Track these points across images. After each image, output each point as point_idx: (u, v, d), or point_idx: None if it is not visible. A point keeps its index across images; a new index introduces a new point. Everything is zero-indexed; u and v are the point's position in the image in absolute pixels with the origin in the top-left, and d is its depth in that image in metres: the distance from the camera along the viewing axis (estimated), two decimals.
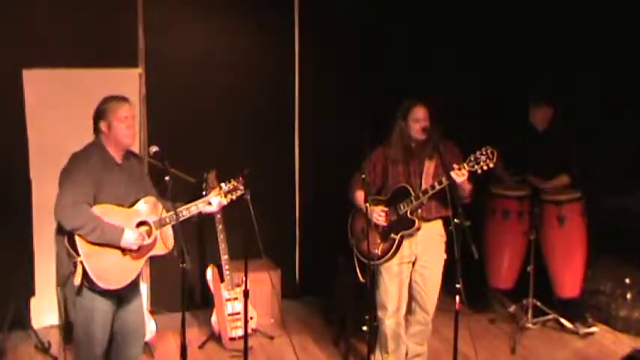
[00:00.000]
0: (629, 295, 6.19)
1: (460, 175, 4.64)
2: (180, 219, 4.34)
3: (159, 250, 4.36)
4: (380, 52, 6.88)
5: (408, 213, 4.93)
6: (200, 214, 4.56)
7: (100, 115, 4.26)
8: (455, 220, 4.51)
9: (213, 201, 4.53)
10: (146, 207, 4.33)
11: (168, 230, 4.38)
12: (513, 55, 6.92)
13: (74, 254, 4.15)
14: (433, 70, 6.87)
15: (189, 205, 4.44)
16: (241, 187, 4.62)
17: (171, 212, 4.29)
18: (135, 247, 4.21)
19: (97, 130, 4.29)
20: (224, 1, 6.54)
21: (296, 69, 6.86)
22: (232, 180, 4.60)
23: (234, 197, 4.59)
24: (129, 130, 4.27)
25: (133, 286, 4.40)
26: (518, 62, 6.91)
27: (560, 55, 6.78)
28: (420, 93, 5.10)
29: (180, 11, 6.31)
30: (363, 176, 4.91)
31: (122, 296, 4.39)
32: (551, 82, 6.73)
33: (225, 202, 4.57)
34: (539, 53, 6.88)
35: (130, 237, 4.19)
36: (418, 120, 4.87)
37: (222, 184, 4.59)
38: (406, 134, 4.94)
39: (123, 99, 4.39)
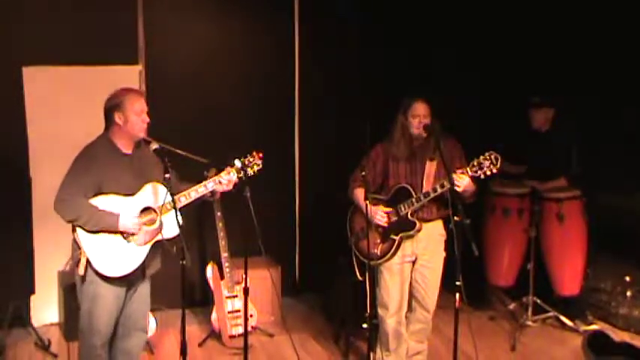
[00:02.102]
0: (629, 293, 6.20)
1: (461, 181, 4.62)
2: (186, 202, 4.36)
3: (169, 234, 4.35)
4: (380, 52, 6.89)
5: (409, 215, 4.92)
6: (211, 194, 4.54)
7: (115, 107, 4.26)
8: (455, 217, 4.50)
9: (224, 179, 4.51)
10: (149, 193, 4.33)
11: (173, 215, 4.34)
12: (513, 55, 6.92)
13: (79, 244, 4.18)
14: (433, 70, 6.88)
15: (196, 187, 4.44)
16: (259, 162, 4.62)
17: (177, 195, 4.28)
18: (135, 231, 4.21)
19: (109, 121, 4.30)
20: (224, 0, 6.56)
21: (296, 69, 6.87)
22: (248, 155, 4.59)
23: (251, 173, 4.58)
24: (144, 123, 4.30)
25: (141, 275, 4.41)
26: (518, 62, 6.92)
27: (560, 54, 6.79)
28: (420, 93, 5.10)
29: (180, 9, 6.33)
30: (363, 173, 4.90)
31: (130, 285, 4.39)
32: (552, 82, 6.73)
33: (235, 178, 4.54)
34: (540, 53, 6.88)
35: (127, 221, 4.19)
36: (418, 116, 4.86)
37: (236, 160, 4.57)
38: (407, 131, 4.93)
39: (139, 93, 4.46)
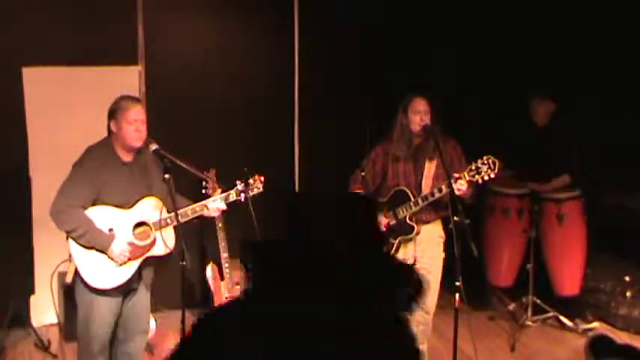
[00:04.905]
0: (628, 293, 6.20)
1: (460, 185, 4.61)
2: (181, 220, 4.34)
3: (159, 251, 4.37)
4: (380, 52, 6.88)
5: (407, 218, 4.90)
6: (203, 216, 4.57)
7: (110, 115, 4.26)
8: (455, 217, 4.50)
9: (211, 205, 4.52)
10: (147, 207, 4.32)
11: (169, 231, 4.38)
12: (513, 55, 6.92)
13: (70, 253, 4.19)
14: (433, 70, 6.87)
15: (193, 206, 4.44)
16: (260, 186, 4.64)
17: (172, 214, 4.28)
18: (120, 261, 4.22)
19: (108, 128, 4.29)
20: (224, 0, 6.56)
21: (296, 69, 6.86)
22: (250, 177, 4.61)
23: (250, 195, 4.59)
24: (137, 132, 4.23)
25: (138, 281, 4.41)
26: (518, 62, 6.91)
27: (560, 54, 6.79)
28: (420, 92, 5.10)
29: (180, 9, 6.33)
30: (363, 174, 4.90)
31: (127, 293, 4.39)
32: (552, 82, 6.73)
33: (224, 206, 4.57)
34: (540, 53, 6.88)
35: (117, 248, 4.20)
36: (418, 112, 4.84)
37: (238, 184, 4.58)
38: (407, 129, 4.92)
39: (134, 100, 4.41)
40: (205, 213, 4.51)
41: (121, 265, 4.23)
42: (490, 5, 6.90)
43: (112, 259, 4.20)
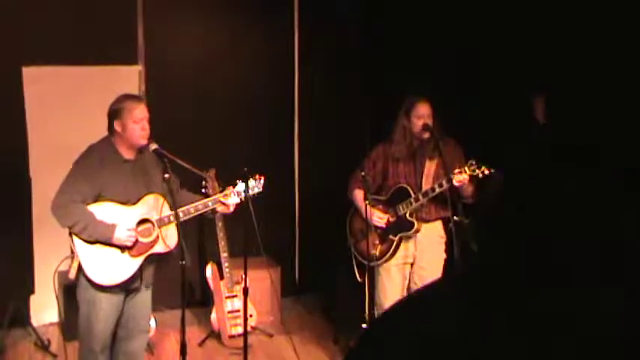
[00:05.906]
0: None
1: (460, 177, 4.62)
2: (184, 218, 4.34)
3: (160, 248, 4.37)
4: (380, 52, 6.88)
5: (407, 215, 4.90)
6: (212, 212, 4.56)
7: (114, 114, 4.25)
8: (455, 217, 4.50)
9: (229, 201, 4.51)
10: (149, 204, 4.32)
11: (171, 229, 4.38)
12: (513, 55, 6.91)
13: (73, 249, 4.18)
14: (433, 70, 6.86)
15: (205, 200, 4.44)
16: (260, 186, 4.64)
17: (174, 211, 4.28)
18: (128, 244, 4.21)
19: (111, 128, 4.29)
20: (224, 0, 6.56)
21: (296, 69, 6.87)
22: (250, 177, 4.60)
23: (251, 195, 4.58)
24: (143, 131, 4.26)
25: (140, 280, 4.41)
26: (518, 62, 6.90)
27: (561, 54, 6.78)
28: (421, 92, 5.10)
29: (180, 9, 6.34)
30: (363, 174, 4.89)
31: (129, 290, 4.39)
32: (553, 81, 6.73)
33: (237, 201, 4.56)
34: (541, 52, 6.87)
35: (122, 234, 4.18)
36: (421, 116, 4.83)
37: (239, 183, 4.57)
38: (409, 132, 4.91)
39: (138, 99, 4.43)
40: (219, 209, 4.51)
41: (129, 248, 4.23)
42: (490, 5, 6.89)
43: (119, 246, 4.20)
